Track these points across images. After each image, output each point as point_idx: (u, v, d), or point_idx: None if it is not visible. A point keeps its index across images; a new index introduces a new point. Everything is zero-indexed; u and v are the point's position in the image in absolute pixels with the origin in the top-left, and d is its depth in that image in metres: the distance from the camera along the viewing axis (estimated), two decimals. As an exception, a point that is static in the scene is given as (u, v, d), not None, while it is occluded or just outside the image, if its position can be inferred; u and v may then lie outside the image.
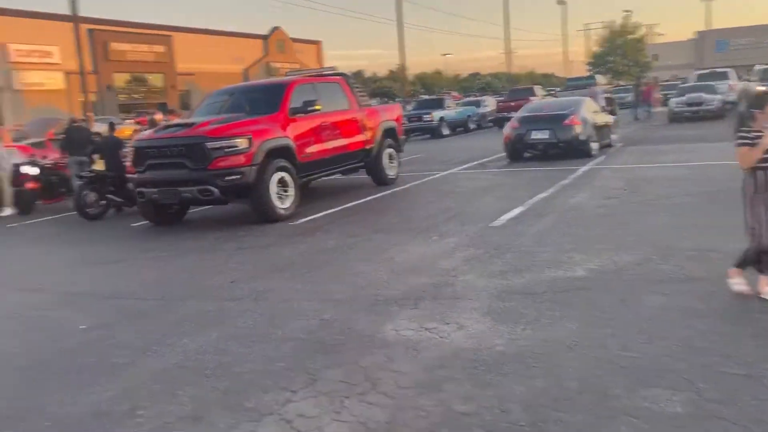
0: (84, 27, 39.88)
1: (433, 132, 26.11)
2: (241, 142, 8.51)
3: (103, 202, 10.63)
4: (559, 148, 13.81)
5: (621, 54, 55.96)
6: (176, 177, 8.50)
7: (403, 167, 13.78)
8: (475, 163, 14.75)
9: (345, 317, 4.80)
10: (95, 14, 39.71)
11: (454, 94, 57.29)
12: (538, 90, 31.42)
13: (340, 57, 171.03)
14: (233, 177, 8.44)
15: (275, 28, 53.55)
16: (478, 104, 30.82)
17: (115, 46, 41.62)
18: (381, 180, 11.85)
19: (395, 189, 11.44)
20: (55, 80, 38.88)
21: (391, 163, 12.16)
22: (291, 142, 9.32)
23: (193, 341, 4.52)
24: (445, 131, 26.40)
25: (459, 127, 28.21)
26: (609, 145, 15.48)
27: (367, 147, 11.42)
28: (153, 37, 43.75)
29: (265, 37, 53.16)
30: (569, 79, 34.80)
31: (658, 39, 74.24)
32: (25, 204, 11.75)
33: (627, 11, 69.58)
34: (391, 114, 12.43)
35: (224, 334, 4.60)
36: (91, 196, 10.58)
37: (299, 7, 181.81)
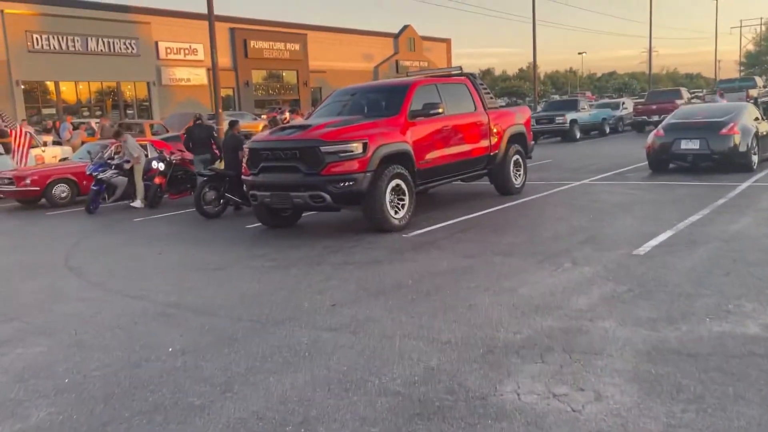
0: (226, 26, 41.94)
1: (564, 135, 24.52)
2: (356, 147, 7.93)
3: (222, 201, 10.52)
4: (712, 160, 12.10)
5: (782, 53, 50.34)
6: (289, 181, 8.07)
7: (530, 174, 12.70)
8: (612, 173, 13.32)
9: (454, 367, 3.99)
10: (236, 13, 41.43)
11: (588, 94, 54.33)
12: (684, 93, 28.64)
13: (469, 55, 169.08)
14: (346, 183, 7.87)
15: (405, 27, 53.39)
16: (615, 106, 28.65)
17: (254, 44, 43.23)
18: (505, 189, 10.88)
19: (520, 200, 10.42)
20: (199, 76, 41.00)
21: (518, 171, 11.15)
22: (409, 148, 8.62)
23: (279, 382, 3.91)
24: (578, 135, 24.70)
25: (593, 130, 26.34)
26: (772, 158, 13.46)
27: (492, 153, 10.49)
28: (289, 36, 45.00)
29: (395, 36, 53.15)
30: (720, 81, 31.46)
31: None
32: (152, 198, 11.96)
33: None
34: (520, 117, 11.40)
35: (315, 377, 3.96)
36: (210, 195, 10.50)
37: (430, 5, 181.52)
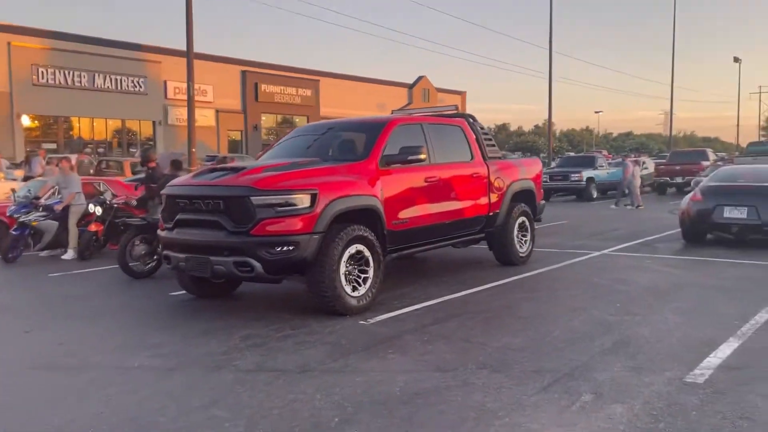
0: (237, 68, 40.79)
1: (580, 194, 22.26)
2: (301, 199, 5.74)
3: (156, 257, 8.35)
4: (763, 233, 9.75)
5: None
6: (209, 241, 5.87)
7: (541, 238, 10.44)
8: (638, 241, 10.97)
9: None
10: (249, 57, 40.33)
11: (605, 152, 52.38)
12: (710, 153, 26.35)
13: (485, 110, 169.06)
14: (284, 248, 5.66)
15: (420, 77, 52.13)
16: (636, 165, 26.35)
17: (265, 87, 41.93)
18: (507, 258, 8.60)
19: (526, 273, 8.11)
20: (207, 117, 39.63)
21: (523, 236, 8.87)
22: (378, 203, 6.41)
23: None
24: (595, 194, 22.43)
25: (611, 190, 24.02)
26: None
27: (491, 213, 8.26)
28: (301, 81, 43.74)
29: (410, 86, 51.88)
30: (751, 144, 29.11)
31: None
32: (84, 248, 9.82)
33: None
34: (528, 171, 9.16)
35: None
36: (140, 249, 8.34)
37: (448, 57, 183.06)
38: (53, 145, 32.37)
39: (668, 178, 23.99)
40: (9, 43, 30.34)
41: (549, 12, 32.79)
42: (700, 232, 10.42)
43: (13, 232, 9.69)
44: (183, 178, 6.81)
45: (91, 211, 9.78)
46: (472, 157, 8.10)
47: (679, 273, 8.10)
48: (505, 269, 8.41)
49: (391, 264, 7.08)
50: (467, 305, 6.48)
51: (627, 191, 19.70)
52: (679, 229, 10.84)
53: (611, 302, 6.44)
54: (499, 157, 8.85)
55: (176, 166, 9.10)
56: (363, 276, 6.20)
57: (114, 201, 10.15)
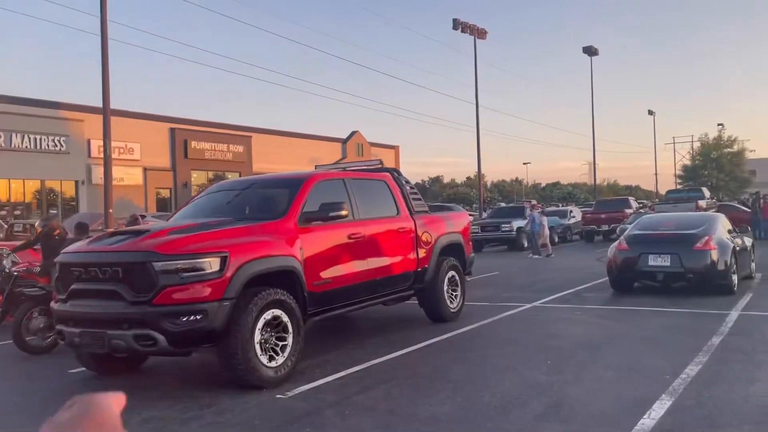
0: (166, 126, 39.97)
1: (511, 244, 22.45)
2: (209, 263, 5.26)
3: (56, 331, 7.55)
4: (686, 280, 9.85)
5: (717, 168, 51.02)
6: (106, 313, 5.28)
7: (472, 291, 10.22)
8: (568, 291, 10.91)
9: None
10: (178, 114, 39.70)
11: (534, 202, 53.89)
12: (632, 202, 27.31)
13: (418, 163, 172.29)
14: (191, 318, 5.13)
15: (353, 132, 52.62)
16: (563, 215, 27.02)
17: (195, 144, 41.17)
18: (438, 315, 8.29)
19: (456, 331, 7.78)
20: (134, 175, 38.43)
21: (454, 291, 8.60)
22: (297, 263, 6.00)
23: None
24: (526, 243, 22.67)
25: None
26: (750, 277, 11.36)
27: (420, 268, 7.97)
28: (232, 137, 43.23)
29: (344, 141, 52.19)
30: (670, 192, 30.37)
31: (749, 155, 68.55)
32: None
33: (720, 124, 64.71)
34: (456, 224, 8.98)
35: None
36: (38, 322, 7.56)
37: (379, 113, 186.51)
38: (-35, 208, 30.48)
39: (595, 226, 24.61)
40: None
41: (474, 69, 33.89)
42: (628, 280, 10.46)
43: None
44: (78, 243, 6.21)
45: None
46: (398, 212, 7.84)
47: (608, 324, 7.98)
48: (435, 326, 8.08)
49: (315, 325, 6.64)
50: (395, 370, 6.07)
51: (527, 243, 20.23)
52: (607, 278, 10.86)
53: (543, 360, 6.18)
54: (426, 211, 8.64)
55: (81, 230, 8.41)
56: (281, 344, 5.72)
57: (14, 268, 9.28)
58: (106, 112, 16.02)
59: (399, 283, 7.69)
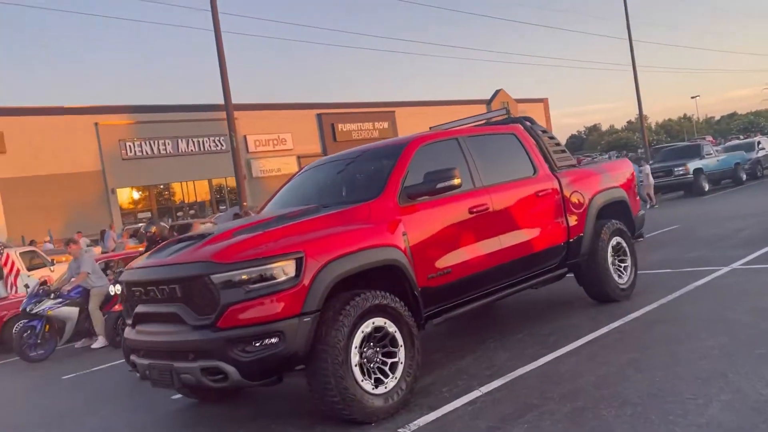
0: (312, 113, 40.44)
1: (688, 188, 19.14)
2: (281, 269, 3.97)
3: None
4: None
5: None
6: (168, 342, 4.23)
7: (647, 253, 8.11)
8: (777, 245, 8.32)
9: None
10: (323, 99, 40.03)
11: (710, 138, 47.52)
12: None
13: (571, 114, 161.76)
14: (264, 342, 3.90)
15: (498, 91, 49.76)
16: (749, 147, 22.75)
17: (342, 126, 41.32)
18: (603, 294, 6.40)
19: (629, 316, 5.86)
20: (289, 164, 39.39)
21: (622, 262, 6.63)
22: (400, 254, 4.54)
23: None
24: (706, 186, 19.23)
25: (725, 179, 20.68)
26: None
27: (573, 239, 6.13)
28: (376, 115, 42.84)
29: (488, 101, 49.60)
30: None
31: None
32: (112, 332, 8.58)
33: None
34: (615, 177, 6.89)
35: None
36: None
37: (524, 65, 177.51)
38: (147, 214, 33.02)
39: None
40: (96, 124, 31.38)
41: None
42: None
43: (25, 325, 8.54)
44: (140, 258, 5.25)
45: (113, 294, 8.56)
46: (535, 171, 6.05)
47: None
48: (601, 310, 6.22)
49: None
50: (547, 384, 4.40)
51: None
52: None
53: (761, 359, 4.15)
54: (573, 165, 6.72)
55: (181, 232, 7.69)
56: (389, 361, 4.32)
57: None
58: (228, 107, 15.73)
59: (546, 261, 5.93)
